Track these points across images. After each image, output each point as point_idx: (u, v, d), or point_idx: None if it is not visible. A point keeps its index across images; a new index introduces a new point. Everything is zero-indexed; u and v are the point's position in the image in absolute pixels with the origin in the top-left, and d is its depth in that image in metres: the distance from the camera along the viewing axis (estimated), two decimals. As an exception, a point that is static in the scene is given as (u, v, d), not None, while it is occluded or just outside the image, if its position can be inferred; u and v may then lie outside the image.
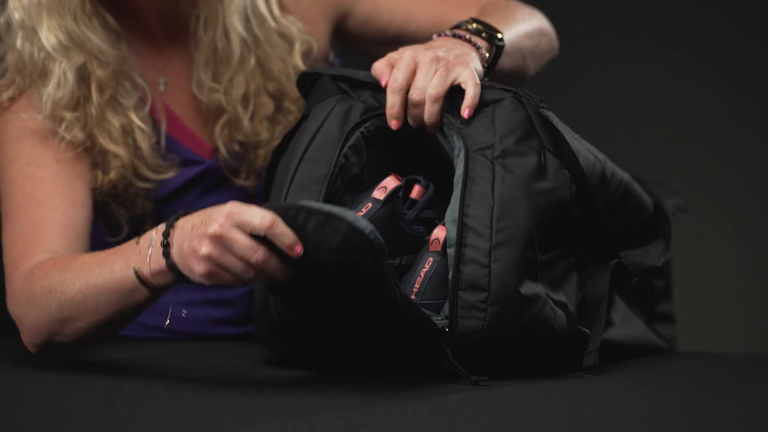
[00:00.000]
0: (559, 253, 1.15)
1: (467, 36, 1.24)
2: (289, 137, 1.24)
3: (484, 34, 1.25)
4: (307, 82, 1.27)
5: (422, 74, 1.17)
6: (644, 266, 1.28)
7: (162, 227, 1.12)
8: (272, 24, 1.40)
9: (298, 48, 1.42)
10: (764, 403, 1.02)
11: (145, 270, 1.13)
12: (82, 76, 1.36)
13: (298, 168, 1.19)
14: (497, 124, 1.14)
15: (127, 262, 1.16)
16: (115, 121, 1.37)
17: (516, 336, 1.11)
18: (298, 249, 1.03)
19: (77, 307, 1.19)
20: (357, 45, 1.52)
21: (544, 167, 1.13)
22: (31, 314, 1.22)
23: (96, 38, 1.35)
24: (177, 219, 1.11)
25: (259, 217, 1.03)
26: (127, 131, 1.37)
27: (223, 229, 1.04)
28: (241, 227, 1.04)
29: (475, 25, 1.26)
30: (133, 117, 1.38)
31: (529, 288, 1.11)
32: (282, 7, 1.43)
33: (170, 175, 1.41)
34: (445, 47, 1.20)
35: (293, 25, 1.42)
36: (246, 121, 1.40)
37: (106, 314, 1.19)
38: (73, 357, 1.27)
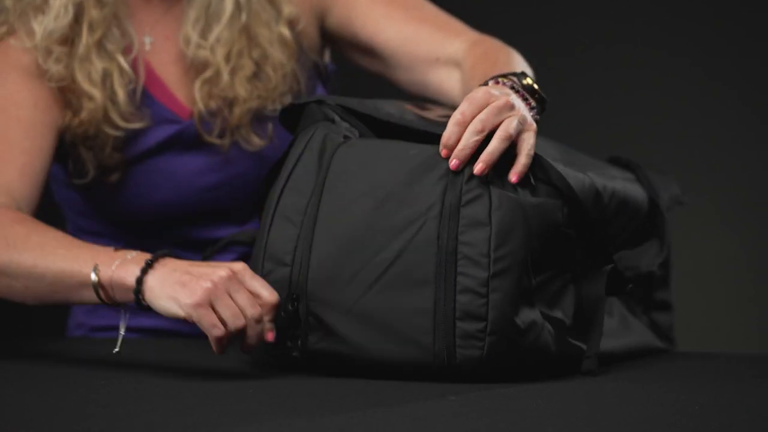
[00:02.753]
0: (554, 272, 1.14)
1: (529, 100, 1.19)
2: (278, 166, 1.22)
3: (537, 96, 1.20)
4: (293, 113, 1.25)
5: (494, 111, 1.12)
6: (640, 271, 1.28)
7: (147, 254, 1.16)
8: None
9: (285, 15, 1.44)
10: (762, 403, 1.02)
11: (105, 274, 1.15)
12: (77, 13, 1.39)
13: (281, 197, 1.17)
14: None
15: (92, 258, 1.17)
16: (98, 63, 1.39)
17: (515, 362, 1.11)
18: (270, 336, 1.12)
19: (25, 269, 1.22)
20: (341, 50, 1.52)
21: (535, 190, 1.12)
22: None
23: None
24: (165, 255, 1.15)
25: (268, 289, 1.12)
26: (107, 75, 1.40)
27: (238, 272, 1.12)
28: (251, 282, 1.12)
29: (529, 81, 1.20)
30: (119, 59, 1.40)
31: (525, 316, 1.10)
32: None
33: (139, 125, 1.42)
34: (517, 101, 1.15)
35: None
36: (226, 77, 1.41)
37: (45, 292, 1.22)
38: (71, 356, 1.27)
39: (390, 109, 1.24)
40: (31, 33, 1.38)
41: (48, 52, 1.38)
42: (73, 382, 1.15)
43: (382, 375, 1.12)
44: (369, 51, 1.47)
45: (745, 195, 2.42)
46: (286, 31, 1.43)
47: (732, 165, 2.44)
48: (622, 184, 1.28)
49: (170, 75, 1.46)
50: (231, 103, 1.43)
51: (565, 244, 1.14)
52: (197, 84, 1.43)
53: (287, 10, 1.44)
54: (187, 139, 1.44)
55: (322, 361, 1.14)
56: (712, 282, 2.51)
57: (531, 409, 0.98)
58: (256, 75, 1.43)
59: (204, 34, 1.43)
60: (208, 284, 1.10)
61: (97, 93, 1.39)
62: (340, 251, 1.12)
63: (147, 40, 1.46)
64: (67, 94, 1.40)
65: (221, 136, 1.43)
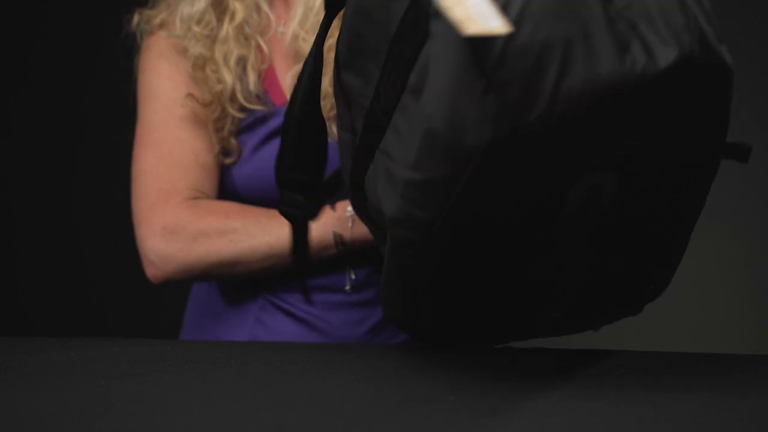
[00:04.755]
0: None
1: None
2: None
3: None
4: None
5: None
6: None
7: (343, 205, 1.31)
8: None
9: None
10: (760, 403, 1.02)
11: (347, 235, 1.32)
12: (219, 3, 1.51)
13: None
14: None
15: (324, 227, 1.35)
16: (235, 49, 1.50)
17: None
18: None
19: (259, 256, 1.41)
20: None
21: None
22: (200, 247, 1.38)
23: None
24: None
25: None
26: (242, 59, 1.51)
27: None
28: None
29: None
30: (258, 40, 1.52)
31: None
32: None
33: (261, 108, 1.53)
34: None
35: None
36: None
37: (264, 267, 1.43)
38: (70, 357, 1.27)
39: None
40: (177, 15, 1.53)
41: (188, 32, 1.50)
42: (72, 382, 1.15)
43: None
44: None
45: (745, 195, 2.43)
46: None
47: (732, 165, 2.44)
48: None
49: (280, 62, 1.55)
50: (322, 96, 1.47)
51: None
52: (289, 75, 1.51)
53: None
54: (276, 123, 1.53)
55: None
56: (712, 283, 2.52)
57: (530, 409, 0.99)
58: None
59: (303, 24, 1.51)
60: None
61: (229, 76, 1.48)
62: None
63: (280, 29, 1.55)
64: (196, 81, 1.53)
65: None
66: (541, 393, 1.06)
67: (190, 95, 1.52)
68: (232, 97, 1.52)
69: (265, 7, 1.55)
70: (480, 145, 0.92)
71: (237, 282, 1.57)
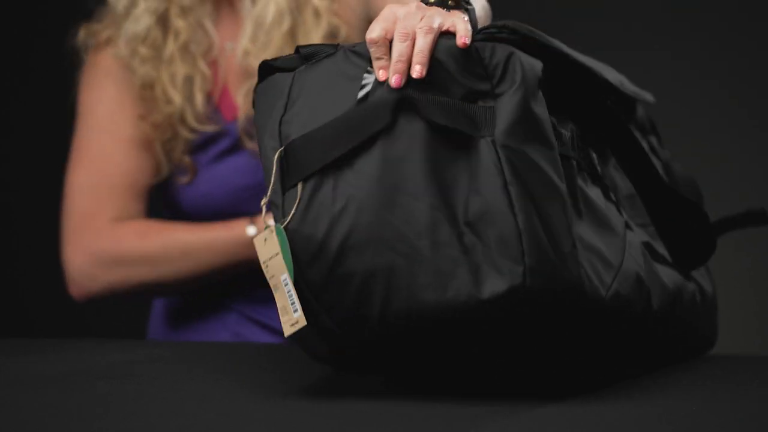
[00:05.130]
0: None
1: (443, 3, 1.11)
2: None
3: (451, 2, 1.09)
4: None
5: (407, 17, 1.03)
6: None
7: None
8: None
9: (323, 27, 1.47)
10: (757, 404, 1.02)
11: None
12: (163, 21, 1.47)
13: None
14: None
15: (246, 254, 1.35)
16: (181, 68, 1.46)
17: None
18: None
19: (181, 278, 1.39)
20: None
21: None
22: (116, 274, 1.35)
23: None
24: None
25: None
26: (189, 79, 1.47)
27: None
28: None
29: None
30: (201, 63, 1.47)
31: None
32: None
33: (212, 128, 1.49)
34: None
35: (326, 6, 1.48)
36: None
37: (200, 284, 1.40)
38: (69, 358, 1.28)
39: None
40: (122, 34, 1.48)
41: (135, 53, 1.46)
42: (71, 383, 1.15)
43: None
44: None
45: (744, 196, 2.43)
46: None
47: (732, 165, 2.44)
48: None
49: (233, 79, 1.51)
50: None
51: None
52: (242, 91, 1.48)
53: (326, 22, 1.47)
54: (229, 140, 1.50)
55: None
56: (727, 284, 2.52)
57: (528, 411, 0.98)
58: None
59: (253, 41, 1.47)
60: None
61: (177, 97, 1.46)
62: None
63: (229, 45, 1.51)
64: (145, 102, 1.48)
65: None
66: (535, 395, 1.06)
67: (140, 116, 1.49)
68: (182, 119, 1.49)
69: (208, 24, 1.50)
70: (322, 357, 1.05)
71: (209, 296, 1.56)
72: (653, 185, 1.15)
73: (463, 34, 1.00)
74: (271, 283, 1.01)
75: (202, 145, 1.52)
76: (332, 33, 1.47)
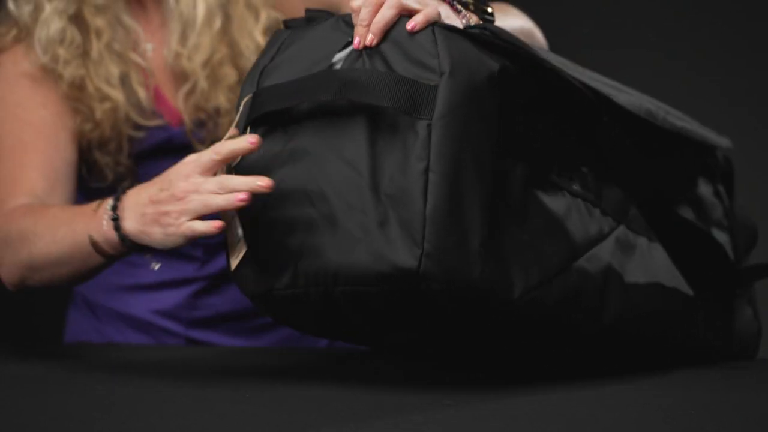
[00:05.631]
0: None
1: (453, 2, 1.15)
2: None
3: (471, 6, 1.15)
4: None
5: None
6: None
7: (110, 200, 1.16)
8: None
9: (262, 21, 1.42)
10: (758, 408, 1.02)
11: (100, 239, 1.17)
12: (80, 21, 1.40)
13: None
14: None
15: (86, 227, 1.19)
16: (113, 67, 1.40)
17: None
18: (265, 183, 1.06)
19: (44, 259, 1.25)
20: None
21: None
22: (6, 255, 1.29)
23: None
24: (124, 192, 1.15)
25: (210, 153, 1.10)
26: (125, 76, 1.40)
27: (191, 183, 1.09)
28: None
29: None
30: (134, 57, 1.41)
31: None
32: None
33: (158, 122, 1.43)
34: None
35: None
36: (204, 85, 1.41)
37: (68, 271, 1.24)
38: (69, 361, 1.28)
39: None
40: (36, 40, 1.39)
41: (55, 57, 1.38)
42: (71, 386, 1.15)
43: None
44: None
45: (744, 196, 2.43)
46: (261, 40, 1.41)
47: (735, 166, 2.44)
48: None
49: (164, 80, 1.45)
50: (217, 113, 1.42)
51: None
52: (180, 95, 1.43)
53: (265, 15, 1.43)
54: (179, 144, 1.44)
55: None
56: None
57: (527, 413, 0.99)
58: (239, 82, 1.41)
59: (183, 42, 1.42)
60: (178, 206, 1.09)
61: (116, 94, 1.39)
62: None
63: (148, 47, 1.45)
64: (75, 101, 1.40)
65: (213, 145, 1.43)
66: (534, 395, 1.06)
67: (73, 111, 1.40)
68: (125, 116, 1.41)
69: (128, 21, 1.43)
70: (258, 297, 1.10)
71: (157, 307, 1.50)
72: (651, 199, 1.17)
73: (418, 20, 1.05)
74: (225, 220, 1.09)
75: (152, 153, 1.45)
76: (271, 27, 1.42)
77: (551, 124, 1.11)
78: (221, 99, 1.42)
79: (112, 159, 1.43)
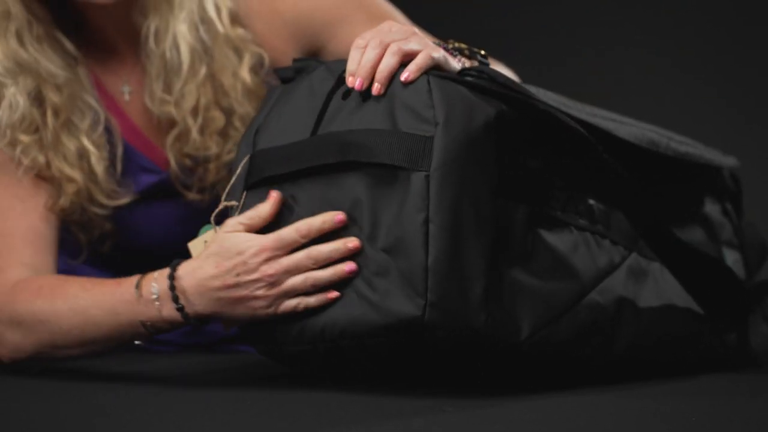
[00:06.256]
0: None
1: (447, 47, 1.17)
2: None
3: (466, 51, 1.18)
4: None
5: (393, 33, 1.10)
6: None
7: (163, 278, 1.14)
8: (221, 29, 1.35)
9: (247, 60, 1.37)
10: (758, 413, 1.03)
11: (157, 323, 1.16)
12: (38, 100, 1.34)
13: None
14: None
15: (133, 314, 1.17)
16: (70, 144, 1.34)
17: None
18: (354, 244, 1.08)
19: (74, 339, 1.21)
20: None
21: None
22: (15, 335, 1.24)
23: (45, 61, 1.32)
24: (173, 277, 1.14)
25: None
26: (83, 154, 1.35)
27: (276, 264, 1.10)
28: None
29: (456, 44, 1.19)
30: (85, 141, 1.35)
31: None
32: (234, 21, 1.37)
33: (124, 201, 1.38)
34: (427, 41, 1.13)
35: (243, 36, 1.37)
36: (196, 135, 1.36)
37: (103, 348, 1.22)
38: (71, 366, 1.28)
39: None
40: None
41: (15, 144, 1.32)
42: (73, 391, 1.15)
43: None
44: None
45: (745, 196, 2.43)
46: (248, 78, 1.36)
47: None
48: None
49: (147, 123, 1.40)
50: (206, 159, 1.37)
51: None
52: (168, 142, 1.38)
53: (249, 53, 1.37)
54: (165, 189, 1.40)
55: None
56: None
57: (527, 421, 0.99)
58: (228, 126, 1.37)
59: (168, 89, 1.36)
60: (272, 290, 1.10)
61: (77, 174, 1.34)
62: None
63: (126, 89, 1.41)
64: (48, 180, 1.34)
65: (201, 191, 1.39)
66: (534, 403, 1.06)
67: (45, 204, 1.32)
68: (89, 197, 1.35)
69: (88, 98, 1.36)
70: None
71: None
72: (653, 227, 1.17)
73: (412, 70, 1.07)
74: None
75: (149, 198, 1.41)
76: (257, 65, 1.37)
77: (551, 161, 1.12)
78: (210, 145, 1.37)
79: (86, 235, 1.39)
